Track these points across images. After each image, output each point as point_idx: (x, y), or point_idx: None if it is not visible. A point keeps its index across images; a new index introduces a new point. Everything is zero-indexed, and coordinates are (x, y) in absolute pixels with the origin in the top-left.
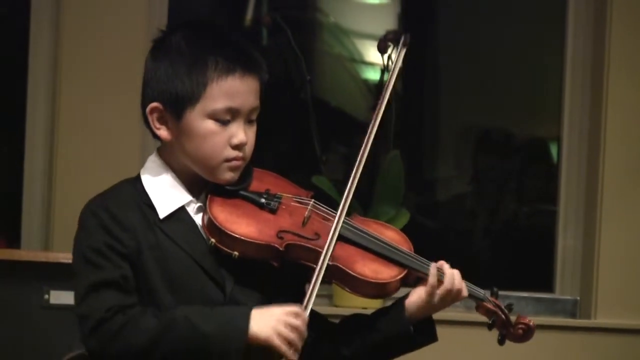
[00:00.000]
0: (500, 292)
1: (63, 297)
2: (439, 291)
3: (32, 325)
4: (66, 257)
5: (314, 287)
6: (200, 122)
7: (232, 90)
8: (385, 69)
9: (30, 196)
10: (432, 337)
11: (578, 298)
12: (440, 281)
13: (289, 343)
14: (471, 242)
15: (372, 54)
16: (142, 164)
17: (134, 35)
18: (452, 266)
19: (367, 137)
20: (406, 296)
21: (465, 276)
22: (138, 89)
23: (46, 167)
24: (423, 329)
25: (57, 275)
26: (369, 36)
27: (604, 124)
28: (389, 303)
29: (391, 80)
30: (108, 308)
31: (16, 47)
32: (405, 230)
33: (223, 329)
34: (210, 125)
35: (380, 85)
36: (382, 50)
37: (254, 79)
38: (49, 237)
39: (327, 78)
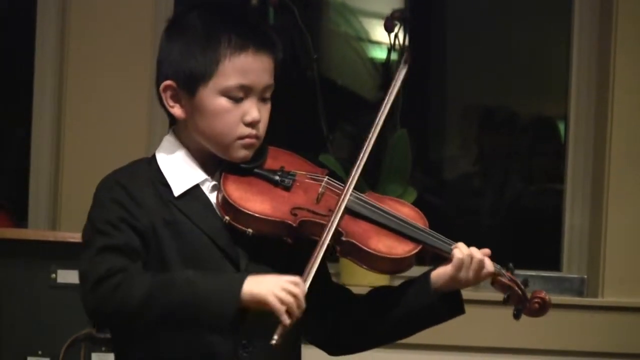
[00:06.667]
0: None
1: (70, 277)
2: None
3: (39, 304)
4: (73, 237)
5: (316, 259)
6: (213, 99)
7: (245, 67)
8: (392, 48)
9: (37, 175)
10: (458, 310)
11: (585, 276)
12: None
13: (285, 304)
14: (478, 221)
15: (378, 32)
16: (149, 143)
17: (141, 13)
18: None
19: (380, 110)
20: (432, 269)
21: None
22: (146, 68)
23: (53, 146)
24: (450, 302)
25: (64, 254)
26: (375, 15)
27: (611, 102)
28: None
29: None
30: (108, 268)
31: (23, 24)
32: None
33: (218, 289)
34: (223, 102)
35: (387, 64)
36: (388, 29)
37: (268, 57)
38: (56, 216)
39: (333, 57)
